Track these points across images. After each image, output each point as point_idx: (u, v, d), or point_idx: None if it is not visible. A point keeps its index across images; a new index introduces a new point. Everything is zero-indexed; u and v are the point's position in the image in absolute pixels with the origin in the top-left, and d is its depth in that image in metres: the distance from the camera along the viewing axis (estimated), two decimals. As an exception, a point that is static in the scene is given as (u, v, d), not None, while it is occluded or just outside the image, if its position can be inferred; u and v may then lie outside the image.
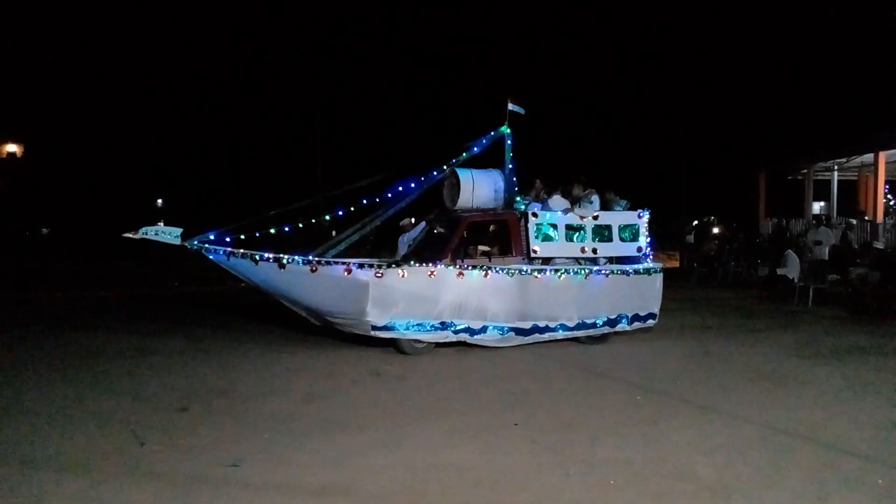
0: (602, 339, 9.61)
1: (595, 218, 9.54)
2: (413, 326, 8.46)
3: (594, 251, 9.50)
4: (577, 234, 9.41)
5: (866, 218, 19.14)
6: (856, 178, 23.11)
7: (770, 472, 4.87)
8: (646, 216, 9.89)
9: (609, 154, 33.36)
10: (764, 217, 23.14)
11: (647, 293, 9.83)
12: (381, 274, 8.21)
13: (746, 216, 23.79)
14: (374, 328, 8.30)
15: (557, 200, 9.55)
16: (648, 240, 9.94)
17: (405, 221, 10.37)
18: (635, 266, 9.79)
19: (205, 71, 38.07)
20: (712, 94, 28.74)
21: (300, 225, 9.00)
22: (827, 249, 15.60)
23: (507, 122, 9.70)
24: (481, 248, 9.49)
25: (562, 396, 6.92)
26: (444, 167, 9.47)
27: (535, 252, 9.14)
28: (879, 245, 14.40)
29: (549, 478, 4.76)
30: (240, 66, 38.00)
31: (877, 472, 4.89)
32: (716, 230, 23.31)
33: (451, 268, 8.59)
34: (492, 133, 9.73)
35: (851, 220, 19.44)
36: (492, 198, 9.49)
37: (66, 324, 10.75)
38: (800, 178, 23.70)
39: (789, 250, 14.90)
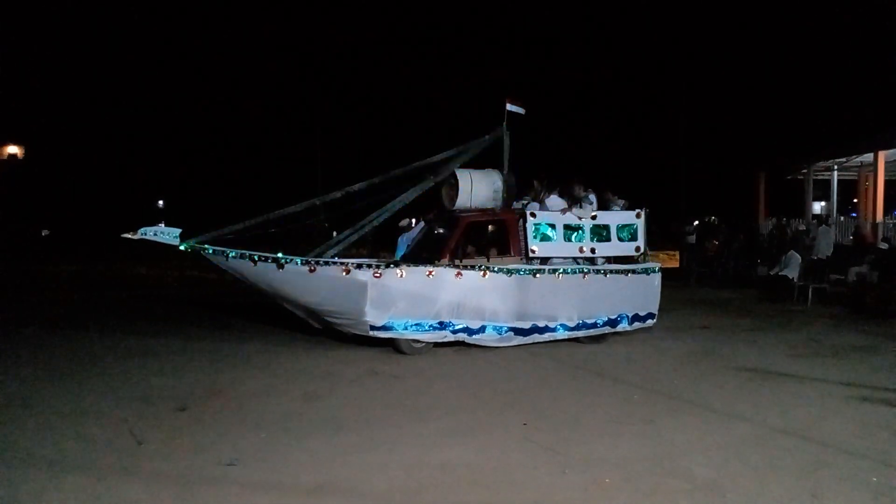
0: (601, 339, 9.62)
1: (593, 218, 9.56)
2: (411, 326, 8.48)
3: (592, 251, 9.51)
4: (576, 233, 9.43)
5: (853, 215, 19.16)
6: (856, 177, 23.11)
7: (766, 471, 4.89)
8: (644, 216, 9.90)
9: (609, 154, 33.42)
10: (764, 217, 23.14)
11: (646, 293, 9.85)
12: (380, 274, 8.23)
13: (746, 216, 23.80)
14: (373, 328, 8.31)
15: (555, 200, 9.57)
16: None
17: (404, 222, 10.41)
18: (634, 266, 9.81)
19: (205, 72, 38.14)
20: (713, 94, 28.77)
21: (307, 222, 9.02)
22: (831, 247, 15.65)
23: (505, 123, 9.73)
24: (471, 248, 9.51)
25: (559, 396, 6.93)
26: (442, 168, 9.50)
27: (533, 252, 9.15)
28: (883, 245, 14.40)
29: (545, 477, 4.78)
30: (240, 67, 38.05)
31: (872, 470, 4.90)
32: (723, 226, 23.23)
33: (450, 268, 8.60)
34: (488, 136, 9.75)
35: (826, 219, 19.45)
36: (490, 198, 9.51)
37: (65, 324, 10.78)
38: (800, 178, 23.70)
39: (792, 250, 14.91)
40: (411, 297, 8.37)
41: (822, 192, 24.12)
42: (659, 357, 8.88)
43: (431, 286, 8.48)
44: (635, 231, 9.83)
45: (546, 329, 9.16)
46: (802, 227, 16.64)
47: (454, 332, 8.69)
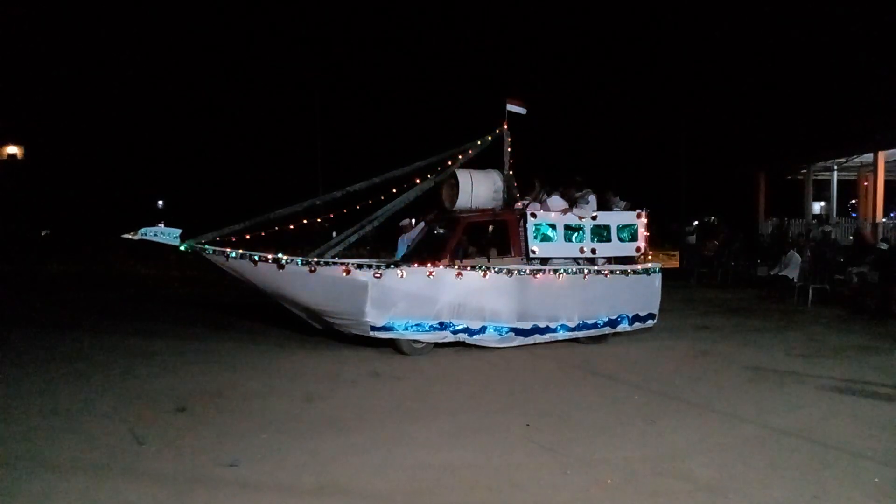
0: (601, 339, 9.62)
1: (594, 218, 9.55)
2: (412, 327, 8.47)
3: (593, 251, 9.51)
4: (576, 234, 9.42)
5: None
6: (856, 178, 23.10)
7: (767, 471, 4.88)
8: (644, 216, 9.90)
9: (609, 154, 33.42)
10: (764, 217, 23.14)
11: (646, 293, 9.85)
12: (380, 274, 8.22)
13: (746, 216, 23.78)
14: (373, 329, 8.31)
15: (556, 201, 9.57)
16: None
17: (405, 222, 10.41)
18: (634, 266, 9.81)
19: (205, 72, 38.15)
20: (712, 94, 28.75)
21: (304, 221, 9.03)
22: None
23: (506, 123, 9.73)
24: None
25: (560, 396, 6.93)
26: (439, 169, 9.50)
27: (534, 252, 9.15)
28: (883, 245, 14.39)
29: (547, 477, 4.77)
30: (240, 66, 38.06)
31: (873, 470, 4.89)
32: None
33: (450, 268, 8.60)
34: (490, 137, 9.76)
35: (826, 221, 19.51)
36: (491, 198, 9.51)
37: (65, 324, 10.77)
38: (800, 178, 23.69)
39: (792, 251, 14.91)
40: (412, 297, 8.37)
41: (824, 192, 24.10)
42: (659, 357, 8.87)
43: (432, 286, 8.47)
44: (636, 231, 9.83)
45: (547, 329, 9.15)
46: (828, 228, 16.67)
47: (455, 332, 8.68)
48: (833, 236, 16.60)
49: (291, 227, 9.05)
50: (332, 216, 10.38)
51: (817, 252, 14.99)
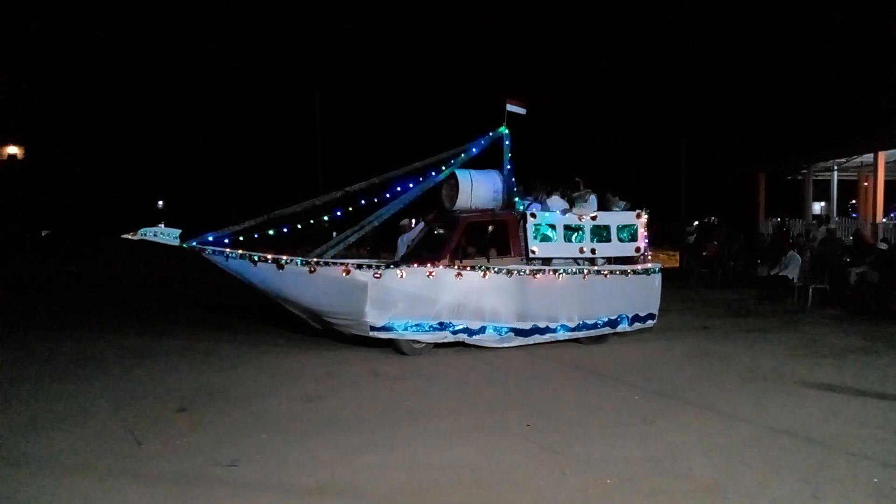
0: (601, 339, 9.62)
1: (593, 218, 9.55)
2: (412, 327, 8.47)
3: (593, 251, 9.51)
4: (576, 234, 9.42)
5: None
6: (856, 178, 23.11)
7: (766, 472, 4.88)
8: (644, 216, 9.90)
9: (609, 154, 33.47)
10: (764, 217, 23.14)
11: (646, 293, 9.84)
12: (380, 274, 8.22)
13: (746, 216, 23.81)
14: (373, 329, 8.31)
15: (556, 201, 9.57)
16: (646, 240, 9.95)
17: (404, 222, 10.42)
18: (634, 266, 9.81)
19: (205, 73, 38.17)
20: (713, 95, 28.79)
21: (299, 226, 9.04)
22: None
23: (505, 123, 9.73)
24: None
25: (560, 396, 6.93)
26: (443, 168, 9.50)
27: (533, 252, 9.15)
28: (883, 246, 14.39)
29: (546, 477, 4.77)
30: (240, 67, 38.08)
31: (872, 471, 4.89)
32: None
33: (450, 268, 8.60)
34: (490, 134, 9.77)
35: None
36: (490, 198, 9.51)
37: (65, 324, 10.77)
38: (800, 178, 23.69)
39: (792, 251, 14.91)
40: (411, 297, 8.37)
41: (824, 192, 24.11)
42: (659, 357, 8.87)
43: (431, 287, 8.47)
44: (635, 232, 9.83)
45: (546, 330, 9.15)
46: (832, 226, 16.65)
47: (454, 332, 8.68)
48: (838, 234, 16.59)
49: (298, 226, 9.03)
50: (327, 221, 10.38)
51: (820, 251, 14.98)
